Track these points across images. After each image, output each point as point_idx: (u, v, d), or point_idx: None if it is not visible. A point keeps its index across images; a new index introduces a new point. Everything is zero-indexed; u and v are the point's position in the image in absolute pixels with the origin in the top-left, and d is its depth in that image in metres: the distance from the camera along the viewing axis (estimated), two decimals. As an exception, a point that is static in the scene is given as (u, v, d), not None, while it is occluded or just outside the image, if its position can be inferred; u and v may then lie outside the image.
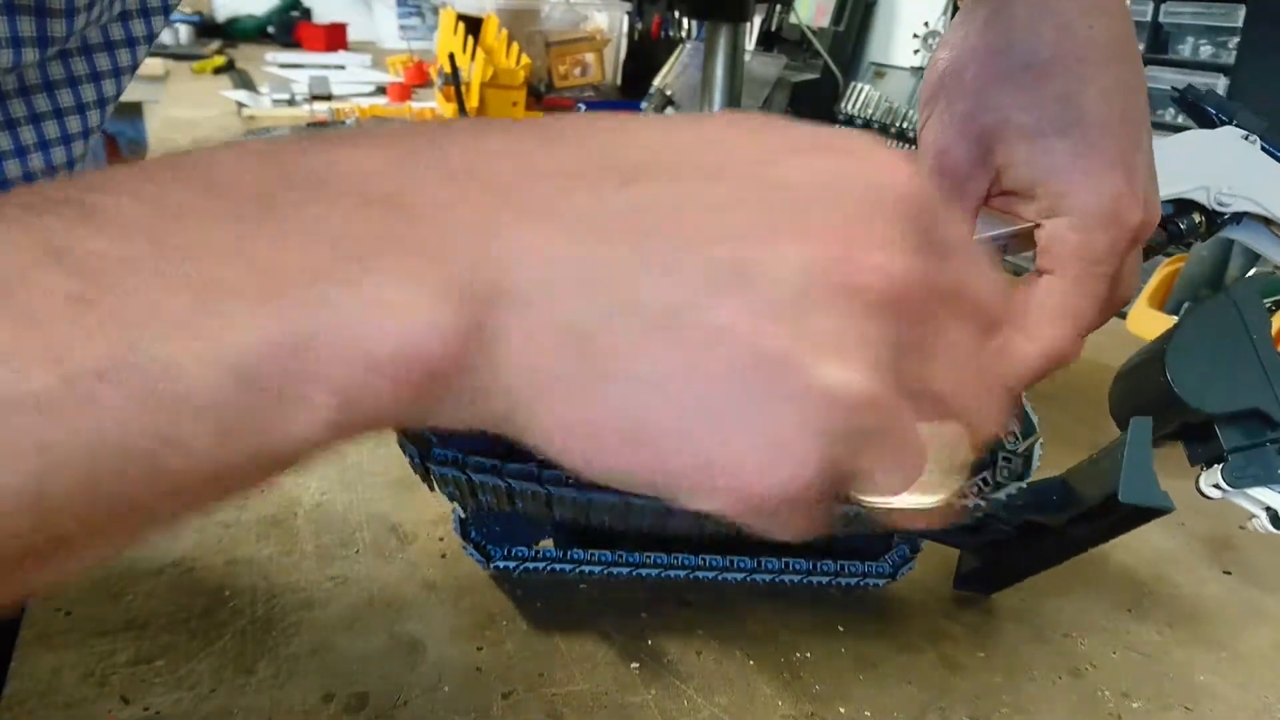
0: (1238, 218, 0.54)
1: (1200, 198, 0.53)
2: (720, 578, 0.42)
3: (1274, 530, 0.42)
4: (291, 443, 0.17)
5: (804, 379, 0.18)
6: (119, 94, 0.45)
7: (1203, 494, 0.43)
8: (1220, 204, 0.53)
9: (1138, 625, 0.46)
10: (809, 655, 0.41)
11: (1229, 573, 0.51)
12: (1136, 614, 0.46)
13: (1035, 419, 0.41)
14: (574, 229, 0.18)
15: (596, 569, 0.42)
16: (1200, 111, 0.56)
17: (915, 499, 0.21)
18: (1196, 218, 0.53)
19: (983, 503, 0.37)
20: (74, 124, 0.43)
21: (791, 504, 0.19)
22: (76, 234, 0.16)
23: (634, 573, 0.42)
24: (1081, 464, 0.40)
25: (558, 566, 0.42)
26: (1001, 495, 0.38)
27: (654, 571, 0.42)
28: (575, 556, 0.42)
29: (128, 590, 0.43)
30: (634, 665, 0.40)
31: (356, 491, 0.53)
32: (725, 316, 0.18)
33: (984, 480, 0.39)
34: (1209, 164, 0.53)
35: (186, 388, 0.16)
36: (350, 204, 0.17)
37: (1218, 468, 0.42)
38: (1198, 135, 0.55)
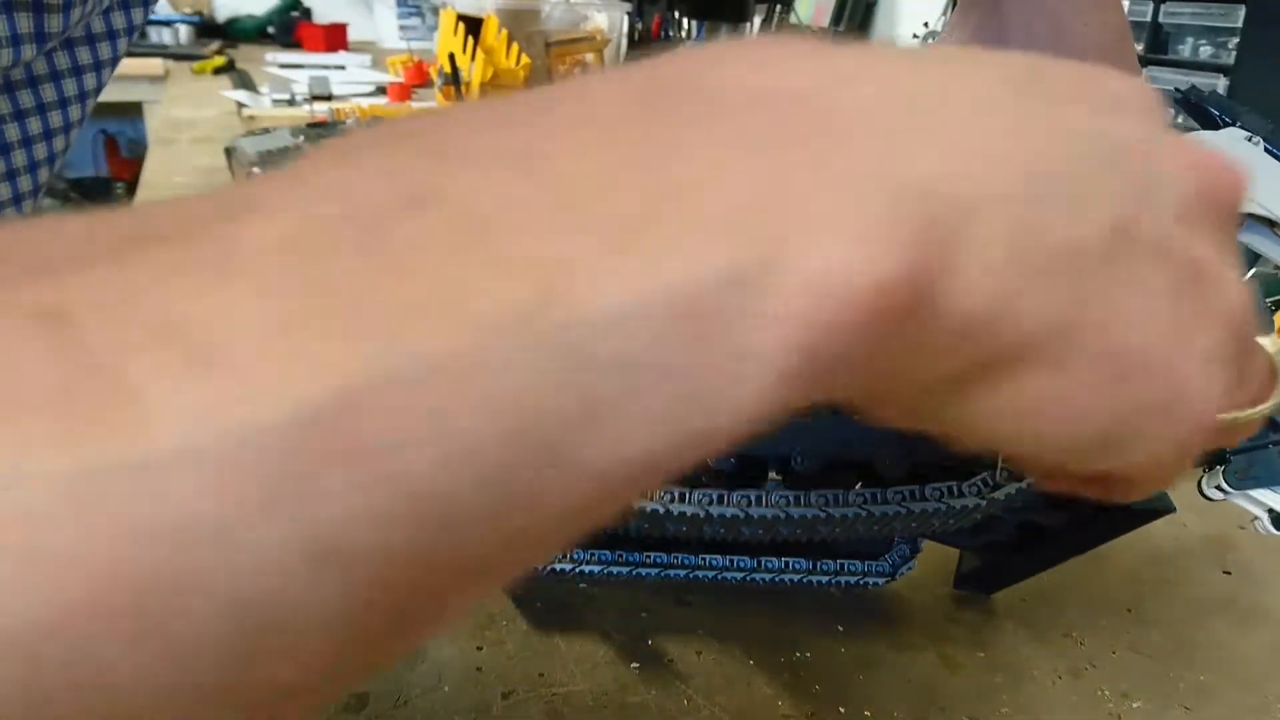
0: (1241, 219, 0.55)
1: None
2: (720, 577, 0.42)
3: (1275, 532, 0.42)
4: (731, 412, 0.13)
5: (1225, 293, 0.17)
6: (100, 88, 0.45)
7: (1204, 495, 0.43)
8: None
9: (1138, 625, 0.46)
10: (809, 655, 0.41)
11: (1229, 573, 0.51)
12: (1136, 614, 0.46)
13: None
14: (1005, 138, 0.15)
15: (596, 569, 0.42)
16: (1203, 113, 0.56)
17: (1263, 406, 0.21)
18: None
19: (983, 502, 0.38)
20: (56, 119, 0.43)
21: (1208, 434, 0.17)
22: (443, 172, 0.13)
23: (634, 573, 0.42)
24: None
25: (558, 566, 0.42)
26: (1001, 495, 0.38)
27: (654, 571, 0.42)
28: (575, 556, 0.42)
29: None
30: (634, 665, 0.40)
31: (356, 491, 0.53)
32: (1157, 229, 0.16)
33: (984, 480, 0.39)
34: None
35: (611, 335, 0.12)
36: (764, 120, 0.14)
37: (1219, 469, 0.42)
38: (1200, 137, 0.55)
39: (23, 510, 0.10)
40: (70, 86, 0.43)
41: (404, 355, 0.11)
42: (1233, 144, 0.54)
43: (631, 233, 0.13)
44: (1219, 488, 0.42)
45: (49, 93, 0.42)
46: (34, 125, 0.42)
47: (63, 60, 0.42)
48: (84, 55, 0.43)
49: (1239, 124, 0.54)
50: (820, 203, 0.13)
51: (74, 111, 0.44)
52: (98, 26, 0.43)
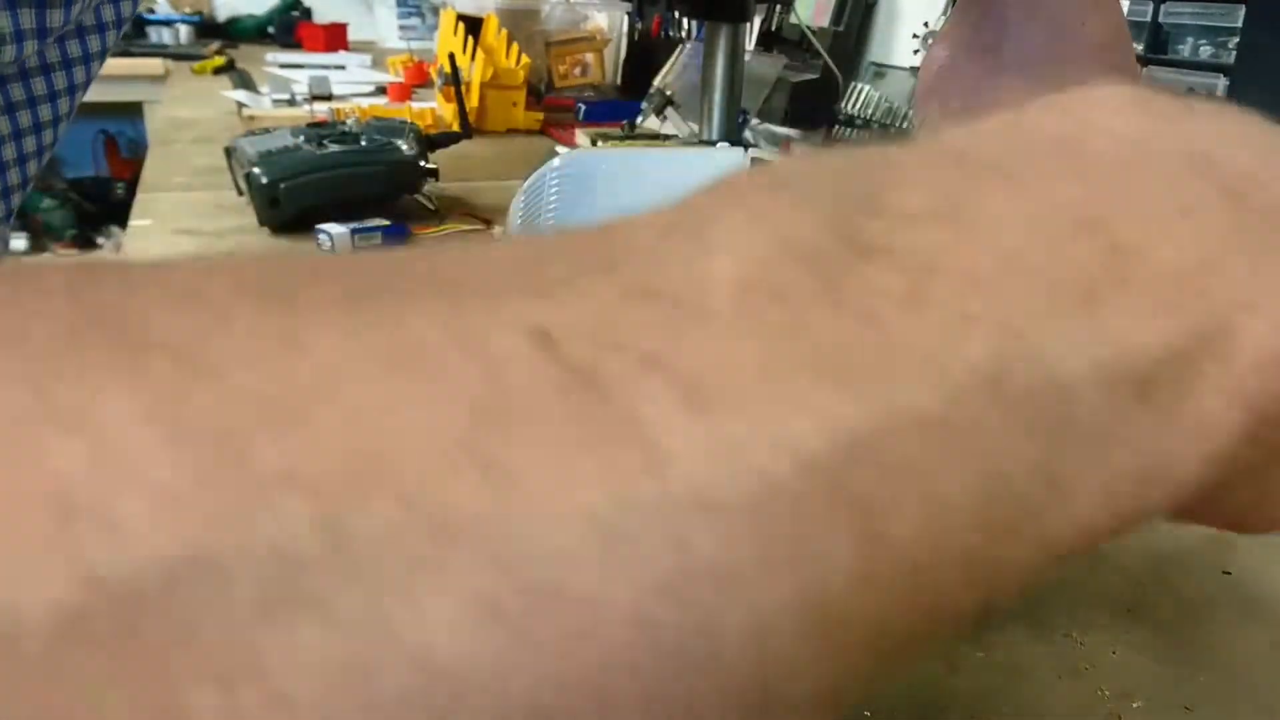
0: None
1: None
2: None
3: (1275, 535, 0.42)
4: (1174, 483, 0.13)
5: None
6: (89, 81, 0.45)
7: None
8: None
9: (1138, 625, 0.46)
10: (809, 655, 0.42)
11: (1229, 573, 0.51)
12: (1136, 614, 0.46)
13: None
14: None
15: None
16: None
17: None
18: None
19: None
20: (46, 112, 0.43)
21: None
22: (882, 222, 0.12)
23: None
24: None
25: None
26: None
27: None
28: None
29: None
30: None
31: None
32: None
33: None
34: None
35: (1071, 401, 0.12)
36: (1190, 182, 0.14)
37: None
38: None
39: (548, 548, 0.09)
40: (60, 80, 0.43)
41: (893, 409, 0.11)
42: None
43: (1086, 296, 0.12)
44: None
45: (39, 86, 0.42)
46: (24, 119, 0.42)
47: (53, 53, 0.42)
48: (74, 48, 0.43)
49: None
50: (1264, 272, 0.13)
51: (63, 105, 0.44)
52: (88, 19, 0.43)
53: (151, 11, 2.60)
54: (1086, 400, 0.12)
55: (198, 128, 1.47)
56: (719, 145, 0.46)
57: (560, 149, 1.17)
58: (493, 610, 0.09)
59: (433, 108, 1.52)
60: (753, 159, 0.41)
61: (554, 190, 0.43)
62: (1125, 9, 1.03)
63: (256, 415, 0.09)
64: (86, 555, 0.08)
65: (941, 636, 0.12)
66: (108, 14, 0.44)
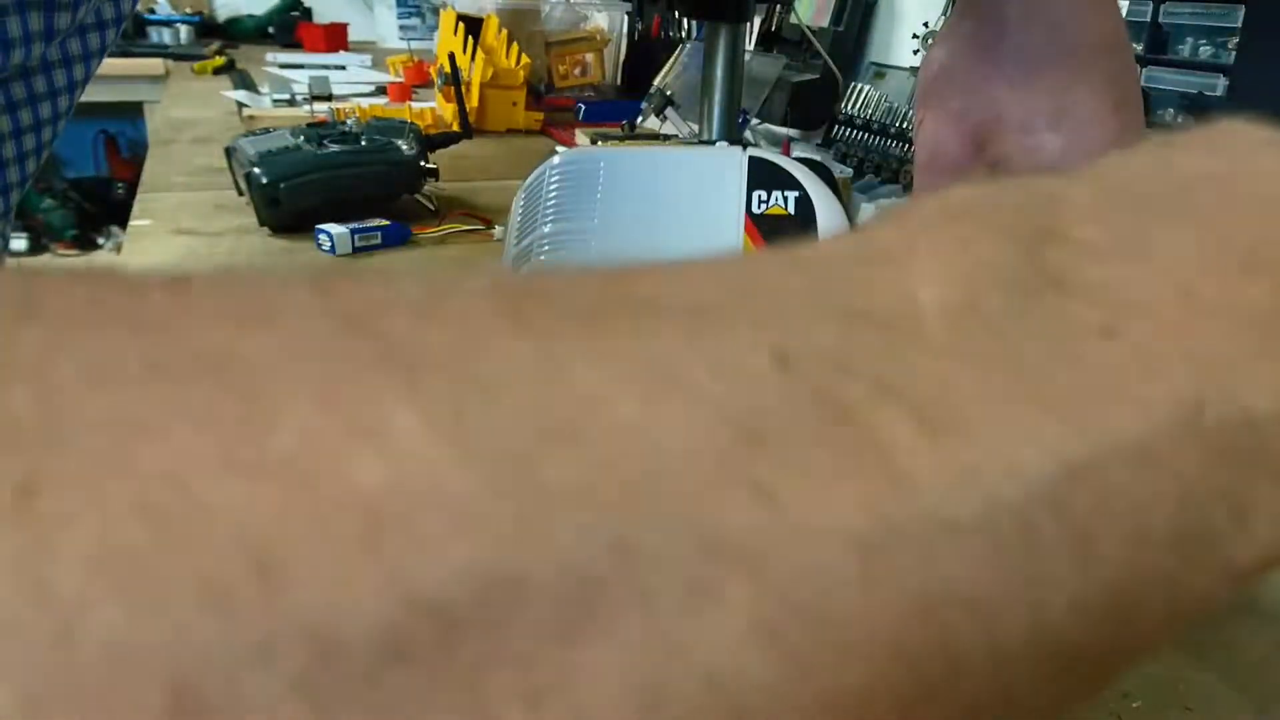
0: None
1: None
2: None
3: None
4: None
5: None
6: (88, 78, 0.45)
7: None
8: None
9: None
10: (809, 655, 0.42)
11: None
12: (1136, 614, 0.47)
13: None
14: None
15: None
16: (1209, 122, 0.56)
17: None
18: None
19: None
20: (46, 110, 0.43)
21: None
22: (1066, 253, 0.13)
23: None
24: None
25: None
26: None
27: None
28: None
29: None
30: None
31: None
32: None
33: None
34: None
35: (1260, 435, 0.12)
36: None
37: None
38: None
39: (815, 569, 0.09)
40: (60, 77, 0.43)
41: (1106, 438, 0.11)
42: None
43: (1266, 334, 0.13)
44: None
45: (40, 84, 0.42)
46: (25, 117, 0.42)
47: (54, 51, 0.42)
48: (74, 46, 0.43)
49: None
50: None
51: (63, 102, 0.44)
52: (89, 17, 0.43)
53: (152, 11, 2.60)
54: (1274, 435, 0.13)
55: (198, 128, 1.47)
56: (719, 144, 0.46)
57: (560, 149, 1.17)
58: (769, 631, 0.09)
59: (433, 108, 1.52)
60: (751, 157, 0.41)
61: (554, 187, 0.43)
62: (1125, 9, 1.03)
63: (537, 433, 0.09)
64: (402, 571, 0.08)
65: (1131, 666, 0.13)
66: (108, 12, 0.44)
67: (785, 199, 0.41)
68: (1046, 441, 0.11)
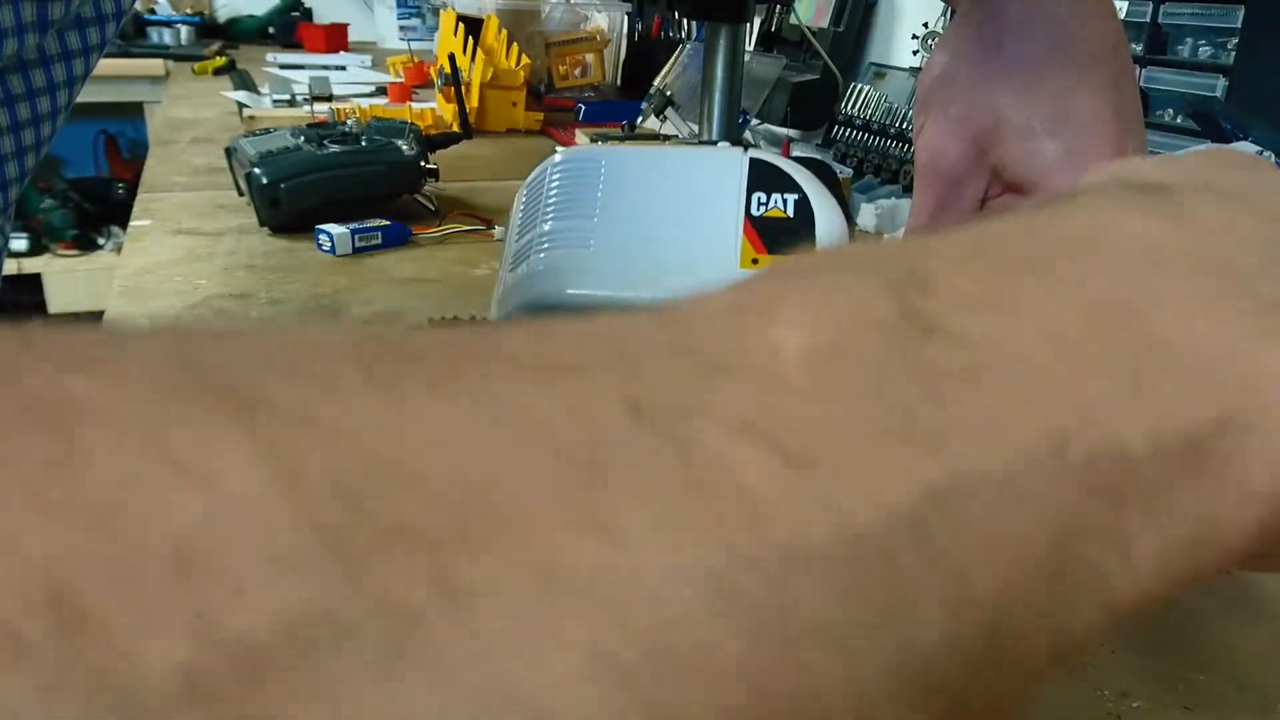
0: None
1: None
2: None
3: None
4: (1223, 546, 0.14)
5: None
6: (87, 73, 0.45)
7: None
8: None
9: (1138, 625, 0.46)
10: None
11: (1229, 572, 0.51)
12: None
13: None
14: None
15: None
16: (1213, 124, 0.56)
17: None
18: None
19: None
20: (45, 104, 0.43)
21: None
22: (935, 305, 0.14)
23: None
24: None
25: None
26: None
27: None
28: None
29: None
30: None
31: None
32: None
33: None
34: None
35: (1129, 469, 0.13)
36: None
37: None
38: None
39: (659, 603, 0.10)
40: (60, 71, 0.43)
41: (969, 469, 0.12)
42: None
43: (1132, 376, 0.13)
44: None
45: (39, 78, 0.42)
46: (23, 111, 0.42)
47: (53, 45, 0.42)
48: (74, 40, 0.43)
49: (1250, 138, 0.54)
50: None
51: (62, 96, 0.44)
52: (87, 11, 0.43)
53: (152, 12, 2.59)
54: (1142, 469, 0.13)
55: (198, 128, 1.47)
56: (720, 145, 0.46)
57: (560, 149, 1.17)
58: (609, 664, 0.09)
59: (433, 108, 1.52)
60: (752, 159, 0.41)
61: (555, 186, 0.43)
62: (1125, 9, 1.03)
63: (369, 472, 0.10)
64: (208, 614, 0.08)
65: (1008, 707, 0.13)
66: (107, 6, 0.44)
67: (784, 201, 0.41)
68: (908, 472, 0.11)
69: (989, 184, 0.42)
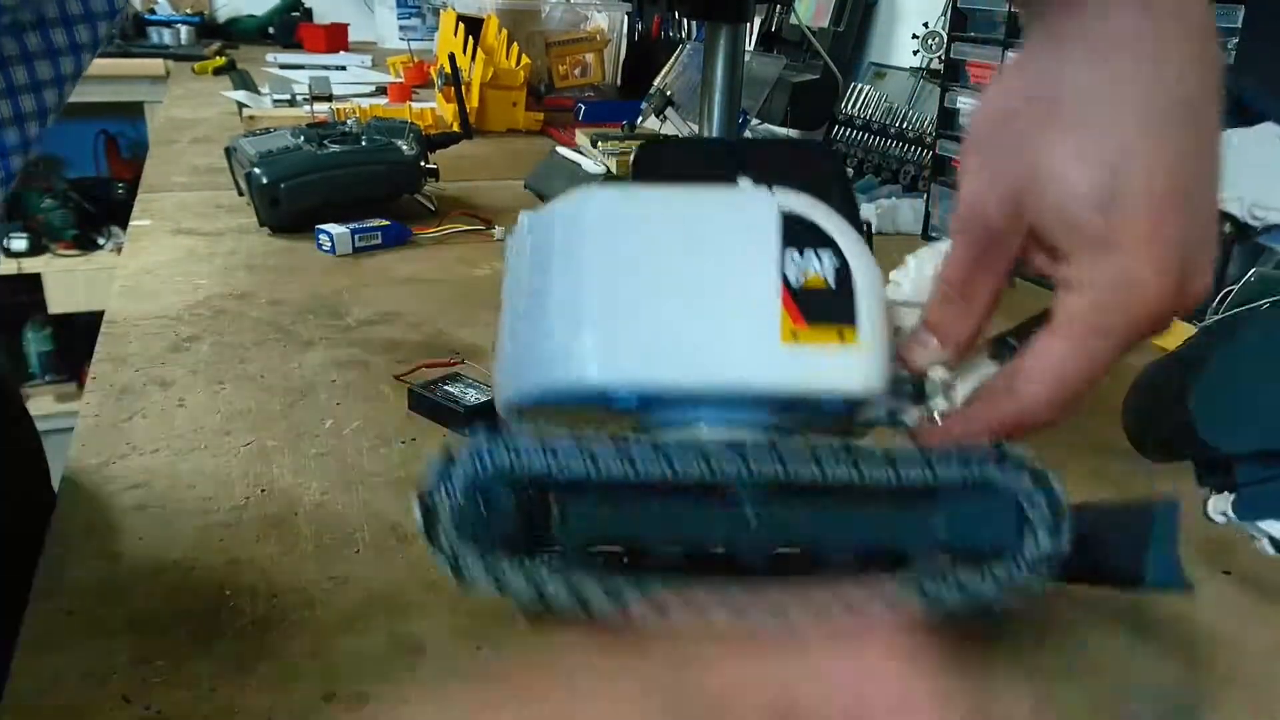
0: (1271, 228, 0.53)
1: (1234, 209, 0.50)
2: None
3: (1275, 554, 0.42)
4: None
5: None
6: (79, 72, 0.44)
7: (1209, 518, 0.43)
8: (1255, 217, 0.50)
9: (1138, 626, 0.46)
10: (809, 655, 0.41)
11: (1228, 573, 0.51)
12: (1136, 614, 0.46)
13: None
14: None
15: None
16: (1237, 103, 0.53)
17: None
18: (1227, 228, 0.51)
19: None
20: (29, 103, 0.42)
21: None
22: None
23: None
24: (1095, 508, 0.37)
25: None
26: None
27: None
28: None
29: (128, 590, 0.43)
30: (634, 665, 0.40)
31: (356, 492, 0.53)
32: None
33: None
34: (1245, 169, 0.50)
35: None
36: None
37: (1228, 496, 0.42)
38: (1231, 136, 0.53)
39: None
40: (45, 70, 0.42)
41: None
42: (1267, 142, 0.52)
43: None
44: (1224, 514, 0.42)
45: (20, 75, 0.41)
46: (4, 109, 0.41)
47: (35, 41, 0.42)
48: (59, 37, 0.43)
49: (1274, 119, 0.52)
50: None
51: (49, 96, 0.43)
52: (75, 8, 0.43)
53: (152, 12, 2.59)
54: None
55: (198, 128, 1.47)
56: (742, 184, 0.37)
57: (560, 149, 1.16)
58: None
59: (433, 108, 1.52)
60: (784, 214, 0.35)
61: (559, 243, 0.36)
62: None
63: None
64: None
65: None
66: (97, 4, 0.43)
67: (820, 260, 0.35)
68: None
69: (1028, 244, 0.38)
